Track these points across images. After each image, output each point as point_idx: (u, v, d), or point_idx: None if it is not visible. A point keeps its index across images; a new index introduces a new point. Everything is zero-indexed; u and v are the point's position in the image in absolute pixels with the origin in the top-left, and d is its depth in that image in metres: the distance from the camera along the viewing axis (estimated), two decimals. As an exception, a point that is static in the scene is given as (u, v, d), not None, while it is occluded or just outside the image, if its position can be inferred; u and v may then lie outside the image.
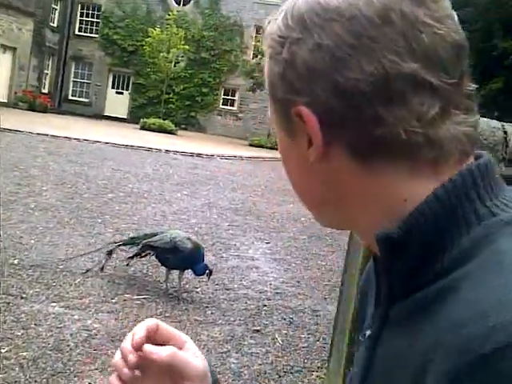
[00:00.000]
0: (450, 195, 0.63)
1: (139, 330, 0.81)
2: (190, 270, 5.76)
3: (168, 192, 11.35)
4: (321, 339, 5.18)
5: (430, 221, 0.63)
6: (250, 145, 28.01)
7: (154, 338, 0.81)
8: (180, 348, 0.81)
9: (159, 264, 6.20)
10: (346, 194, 0.68)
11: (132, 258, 6.01)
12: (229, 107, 35.31)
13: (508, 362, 0.51)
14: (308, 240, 8.95)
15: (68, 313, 4.96)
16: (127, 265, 6.15)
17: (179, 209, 9.90)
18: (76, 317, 4.91)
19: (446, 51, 0.62)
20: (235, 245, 8.04)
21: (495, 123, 3.57)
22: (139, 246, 5.86)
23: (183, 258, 5.58)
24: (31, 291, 5.30)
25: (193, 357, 0.81)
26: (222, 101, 35.28)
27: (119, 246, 6.13)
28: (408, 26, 0.62)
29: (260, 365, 4.53)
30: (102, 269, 5.99)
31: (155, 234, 5.91)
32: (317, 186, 0.70)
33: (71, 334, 4.55)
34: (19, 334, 4.43)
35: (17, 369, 3.92)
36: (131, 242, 6.07)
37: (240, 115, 35.04)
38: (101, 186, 10.82)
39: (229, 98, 35.27)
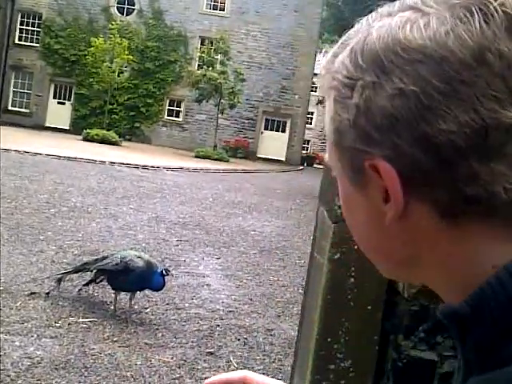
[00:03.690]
0: None
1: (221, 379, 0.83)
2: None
3: (113, 206, 11.01)
4: (276, 360, 5.01)
5: (503, 296, 0.55)
6: (196, 156, 27.73)
7: None
8: None
9: (105, 284, 5.94)
10: (425, 254, 0.59)
11: (87, 285, 5.74)
12: (174, 118, 34.92)
13: None
14: (259, 255, 8.78)
15: (8, 339, 4.64)
16: (79, 291, 5.83)
17: (125, 223, 9.58)
18: (17, 343, 4.60)
19: None
20: (185, 261, 7.80)
21: None
22: (92, 273, 5.59)
23: (135, 278, 5.32)
24: (-32, 316, 4.96)
25: None
26: (167, 111, 34.87)
27: (69, 273, 5.82)
28: (506, 67, 0.53)
29: (215, 390, 4.32)
30: (47, 294, 5.67)
31: (105, 257, 5.64)
32: (390, 244, 0.61)
33: (12, 363, 4.24)
34: (-46, 364, 4.10)
35: (-49, 405, 3.61)
36: (82, 268, 5.76)
37: (185, 126, 34.70)
38: (42, 201, 10.40)
39: (174, 108, 34.89)
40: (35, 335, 4.78)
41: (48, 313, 5.29)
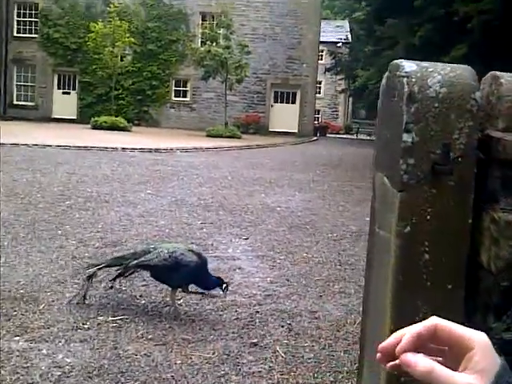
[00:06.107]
0: None
1: (409, 334, 0.70)
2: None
3: (130, 193, 10.59)
4: (326, 347, 4.58)
5: None
6: (208, 135, 27.27)
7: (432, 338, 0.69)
8: (463, 354, 0.66)
9: (133, 277, 5.52)
10: None
11: (115, 279, 5.17)
12: (181, 98, 34.39)
13: None
14: (288, 231, 8.34)
15: (34, 347, 4.23)
16: (111, 287, 5.34)
17: (145, 210, 9.16)
18: (44, 351, 4.18)
19: None
20: (212, 244, 7.37)
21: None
22: (129, 267, 5.01)
23: (188, 273, 4.88)
24: (-12, 325, 4.55)
25: (458, 375, 0.65)
26: (173, 93, 34.32)
27: (101, 268, 5.21)
28: None
29: (265, 386, 3.90)
30: (84, 297, 5.09)
31: (146, 251, 5.06)
32: None
33: (41, 375, 3.82)
34: (-22, 382, 3.70)
35: (-23, 431, 3.21)
36: (117, 262, 5.18)
37: (194, 106, 34.17)
38: (57, 194, 10.00)
39: (181, 89, 34.33)
40: (63, 340, 4.37)
41: (74, 314, 4.88)
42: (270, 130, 33.23)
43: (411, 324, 2.57)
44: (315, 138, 33.36)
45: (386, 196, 2.66)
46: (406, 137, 2.44)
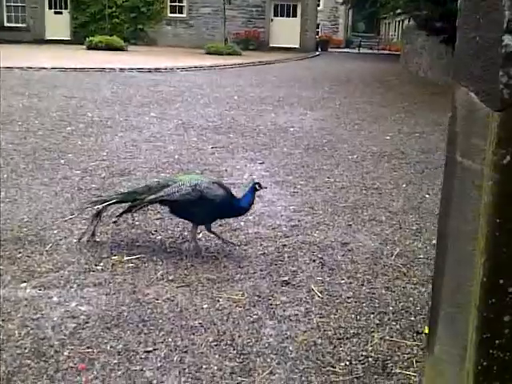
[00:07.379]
0: None
1: None
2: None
3: (133, 116, 10.00)
4: (365, 283, 4.15)
5: None
6: (207, 53, 26.31)
7: None
8: None
9: (145, 210, 5.03)
10: None
11: (121, 215, 4.64)
12: (178, 15, 33.07)
13: None
14: (305, 154, 7.82)
15: (44, 295, 3.78)
16: (115, 222, 4.85)
17: (151, 134, 8.61)
18: (55, 299, 3.74)
19: None
20: (226, 170, 6.87)
21: None
22: (144, 202, 4.43)
23: (215, 208, 4.36)
24: (-9, 270, 4.10)
25: None
26: (169, 9, 32.97)
27: (111, 204, 4.60)
28: None
29: (305, 332, 3.47)
30: (93, 235, 4.61)
31: (163, 185, 4.47)
32: None
33: (53, 327, 3.39)
34: (-17, 338, 3.27)
35: (-14, 400, 2.80)
36: (129, 197, 4.55)
37: (191, 22, 32.89)
38: (56, 119, 9.42)
39: (176, 4, 32.95)
40: (75, 285, 3.93)
41: (85, 254, 4.42)
42: (271, 45, 32.12)
43: (510, 275, 2.00)
44: (317, 52, 32.29)
45: (473, 117, 2.12)
46: (508, 39, 1.88)
